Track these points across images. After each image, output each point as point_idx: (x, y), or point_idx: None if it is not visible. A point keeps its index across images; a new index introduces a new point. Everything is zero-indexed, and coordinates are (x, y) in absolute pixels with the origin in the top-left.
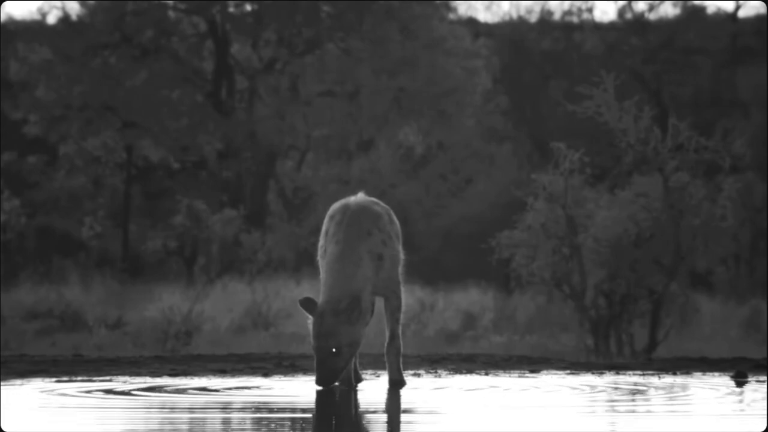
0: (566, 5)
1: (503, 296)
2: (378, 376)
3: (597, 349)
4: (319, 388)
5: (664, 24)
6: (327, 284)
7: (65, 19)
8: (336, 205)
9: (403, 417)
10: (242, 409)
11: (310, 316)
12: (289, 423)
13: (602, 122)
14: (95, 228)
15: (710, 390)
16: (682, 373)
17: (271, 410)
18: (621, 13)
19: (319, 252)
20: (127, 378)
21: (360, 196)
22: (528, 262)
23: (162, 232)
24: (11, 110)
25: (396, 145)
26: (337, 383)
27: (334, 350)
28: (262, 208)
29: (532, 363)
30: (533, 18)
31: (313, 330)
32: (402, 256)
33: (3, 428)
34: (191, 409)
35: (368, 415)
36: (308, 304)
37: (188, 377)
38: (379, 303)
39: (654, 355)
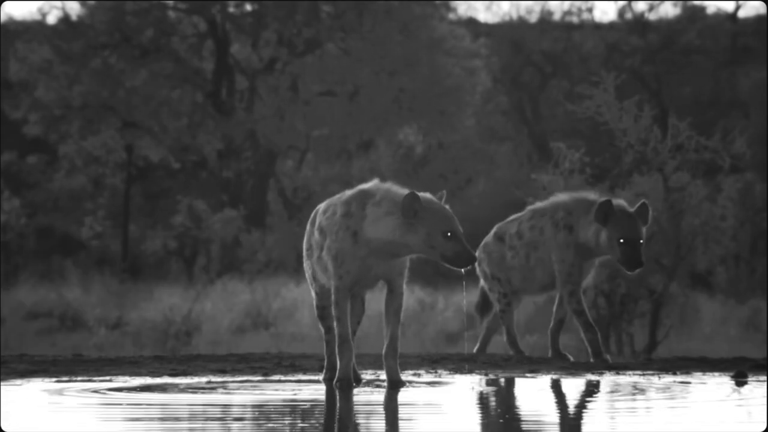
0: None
1: None
2: (378, 376)
3: None
4: None
5: (664, 24)
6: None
7: (65, 19)
8: None
9: (403, 416)
10: (243, 410)
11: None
12: (288, 423)
13: (602, 122)
14: (95, 228)
15: (710, 390)
16: (682, 373)
17: (270, 410)
18: (621, 13)
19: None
20: (127, 378)
21: None
22: None
23: (162, 232)
24: (11, 110)
25: (396, 145)
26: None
27: None
28: (262, 208)
29: (532, 363)
30: (533, 18)
31: None
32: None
33: (3, 428)
34: (192, 409)
35: (368, 415)
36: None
37: (188, 377)
38: (380, 303)
39: (654, 355)
